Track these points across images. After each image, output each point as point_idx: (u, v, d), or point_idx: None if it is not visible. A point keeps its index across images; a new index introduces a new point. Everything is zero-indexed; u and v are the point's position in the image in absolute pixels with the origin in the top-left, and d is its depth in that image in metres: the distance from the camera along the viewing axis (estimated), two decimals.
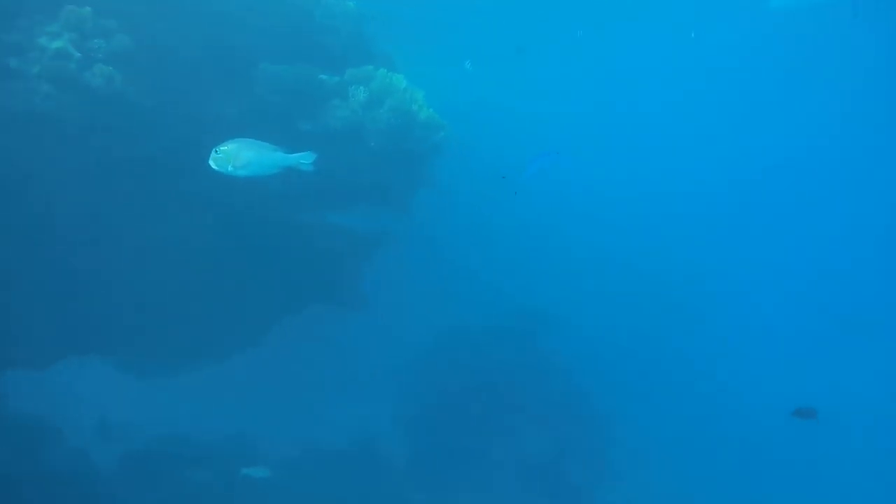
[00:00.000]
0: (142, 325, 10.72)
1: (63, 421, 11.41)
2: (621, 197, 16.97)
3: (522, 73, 16.21)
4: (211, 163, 5.85)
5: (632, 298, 16.08)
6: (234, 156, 5.80)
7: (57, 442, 11.27)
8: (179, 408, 12.29)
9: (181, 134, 9.10)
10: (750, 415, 16.58)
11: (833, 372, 17.36)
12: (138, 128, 8.90)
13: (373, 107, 10.40)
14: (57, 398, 11.62)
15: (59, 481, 10.40)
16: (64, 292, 9.71)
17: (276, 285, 11.64)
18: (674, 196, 17.70)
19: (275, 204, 10.69)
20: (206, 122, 9.23)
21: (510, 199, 14.34)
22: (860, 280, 19.46)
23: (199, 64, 9.54)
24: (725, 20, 16.79)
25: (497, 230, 14.91)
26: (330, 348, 13.36)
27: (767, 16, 16.47)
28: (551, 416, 13.71)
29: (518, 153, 15.49)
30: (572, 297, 15.03)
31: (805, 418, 9.98)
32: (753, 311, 18.08)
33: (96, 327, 10.27)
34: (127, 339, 10.97)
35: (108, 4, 8.55)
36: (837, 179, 19.56)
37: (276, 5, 10.13)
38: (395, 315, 13.37)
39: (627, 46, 17.13)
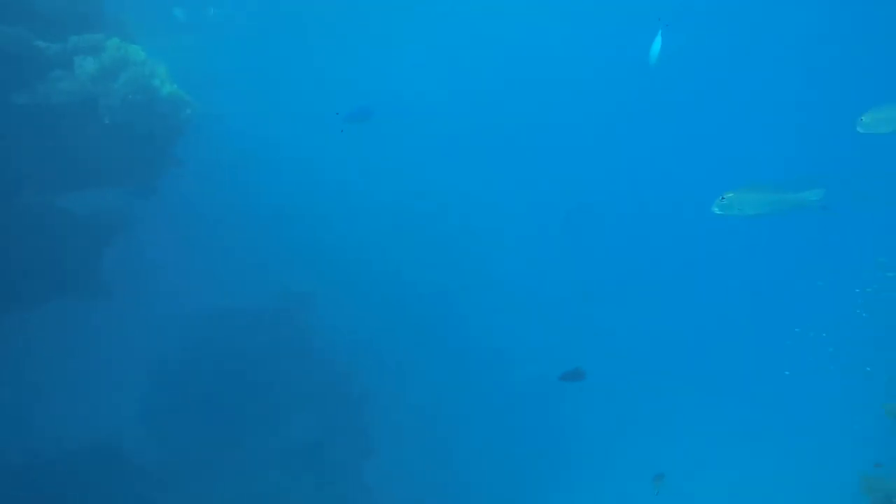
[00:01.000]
0: None
1: None
2: (378, 180, 17.24)
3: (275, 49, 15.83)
4: None
5: (390, 278, 16.39)
6: None
7: None
8: None
9: None
10: (508, 384, 17.86)
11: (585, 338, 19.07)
12: None
13: (105, 80, 9.49)
14: None
15: None
16: None
17: None
18: (429, 183, 18.36)
19: None
20: None
21: (267, 180, 14.02)
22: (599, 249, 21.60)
23: None
24: None
25: (254, 211, 14.35)
26: (67, 342, 12.06)
27: None
28: (314, 397, 13.58)
29: (273, 128, 15.21)
30: (332, 277, 14.96)
31: (573, 381, 9.94)
32: (507, 284, 19.34)
33: None
34: None
35: None
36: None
37: None
38: (142, 302, 12.42)
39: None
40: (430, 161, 18.28)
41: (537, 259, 19.84)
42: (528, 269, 19.61)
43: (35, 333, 11.53)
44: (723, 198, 5.97)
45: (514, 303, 18.90)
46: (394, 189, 17.40)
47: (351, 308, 15.16)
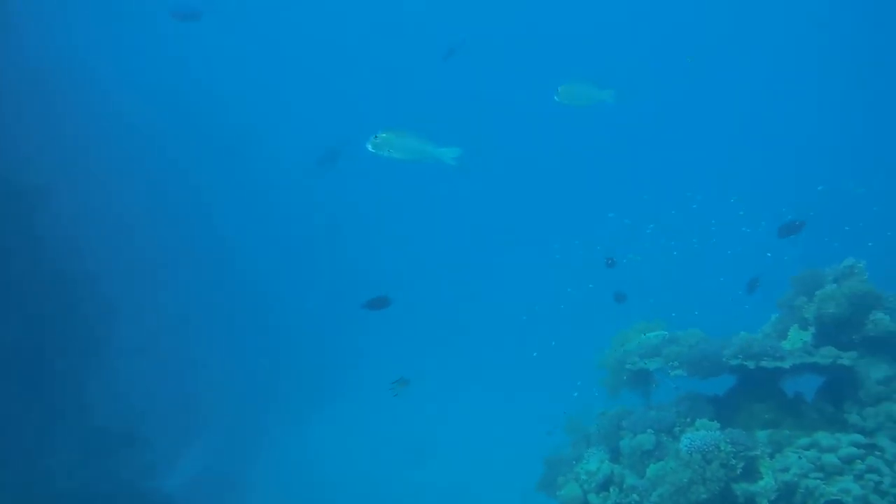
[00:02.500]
0: None
1: None
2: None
3: None
4: None
5: (141, 172, 15.05)
6: None
7: None
8: None
9: None
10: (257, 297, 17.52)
11: None
12: None
13: None
14: None
15: None
16: None
17: None
18: None
19: None
20: None
21: None
22: None
23: None
24: None
25: None
26: None
27: None
28: (30, 304, 12.03)
29: None
30: (62, 163, 13.24)
31: (378, 308, 9.65)
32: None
33: None
34: None
35: None
36: None
37: None
38: None
39: None
40: None
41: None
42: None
43: None
44: (376, 137, 6.26)
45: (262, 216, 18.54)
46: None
47: (87, 205, 13.53)
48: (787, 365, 7.39)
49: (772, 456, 6.86)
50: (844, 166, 23.69)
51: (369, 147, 6.25)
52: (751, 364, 7.38)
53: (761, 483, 6.62)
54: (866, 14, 24.41)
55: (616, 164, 26.04)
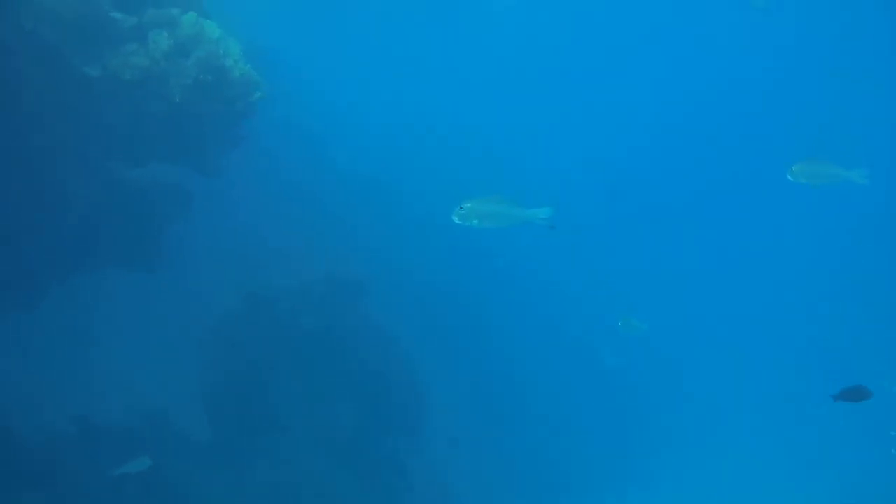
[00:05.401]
0: None
1: None
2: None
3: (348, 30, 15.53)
4: None
5: (453, 262, 15.78)
6: None
7: None
8: None
9: None
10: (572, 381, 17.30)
11: None
12: None
13: (178, 57, 9.20)
14: None
15: None
16: None
17: (57, 243, 10.23)
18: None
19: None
20: None
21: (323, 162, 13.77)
22: None
23: None
24: None
25: (312, 195, 13.92)
26: (121, 314, 11.98)
27: None
28: (364, 387, 13.23)
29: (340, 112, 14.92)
30: (389, 262, 14.48)
31: (854, 401, 8.49)
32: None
33: None
34: None
35: None
36: None
37: None
38: (197, 280, 12.25)
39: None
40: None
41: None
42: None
43: (87, 302, 11.51)
44: (461, 207, 6.05)
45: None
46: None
47: (407, 299, 14.65)
48: None
49: None
50: None
51: (455, 219, 6.09)
52: None
53: None
54: None
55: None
